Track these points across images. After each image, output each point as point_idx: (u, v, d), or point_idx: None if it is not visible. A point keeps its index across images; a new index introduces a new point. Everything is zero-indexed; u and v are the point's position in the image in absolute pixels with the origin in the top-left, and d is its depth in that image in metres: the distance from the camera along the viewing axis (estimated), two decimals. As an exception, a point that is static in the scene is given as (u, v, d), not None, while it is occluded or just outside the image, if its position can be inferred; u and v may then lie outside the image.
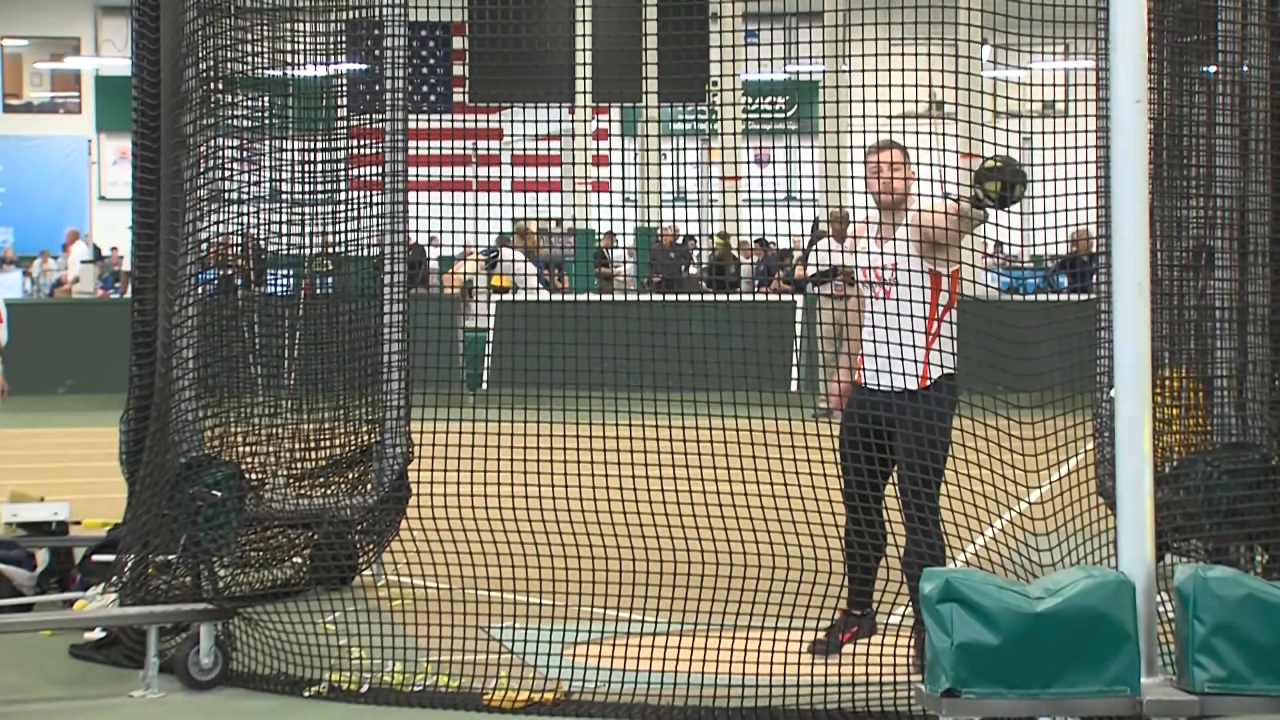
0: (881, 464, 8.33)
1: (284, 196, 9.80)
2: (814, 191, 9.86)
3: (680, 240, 30.33)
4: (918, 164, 8.33)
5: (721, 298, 20.97)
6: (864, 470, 8.28)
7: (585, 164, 24.06)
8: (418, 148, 10.43)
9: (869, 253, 8.37)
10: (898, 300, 8.16)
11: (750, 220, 25.74)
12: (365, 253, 10.23)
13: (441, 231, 8.98)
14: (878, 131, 8.15)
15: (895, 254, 8.23)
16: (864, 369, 8.35)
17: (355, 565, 10.01)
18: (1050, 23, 7.75)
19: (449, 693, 7.91)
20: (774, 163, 27.83)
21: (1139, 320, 6.46)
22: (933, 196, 8.34)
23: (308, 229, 9.88)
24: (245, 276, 10.28)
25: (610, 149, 27.49)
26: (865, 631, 8.50)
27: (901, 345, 8.12)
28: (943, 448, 8.14)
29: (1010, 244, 9.85)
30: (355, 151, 10.02)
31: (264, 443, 9.49)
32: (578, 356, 8.68)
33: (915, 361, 8.16)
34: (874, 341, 8.21)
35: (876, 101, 8.01)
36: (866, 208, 8.46)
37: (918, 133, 8.40)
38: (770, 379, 8.74)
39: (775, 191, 9.46)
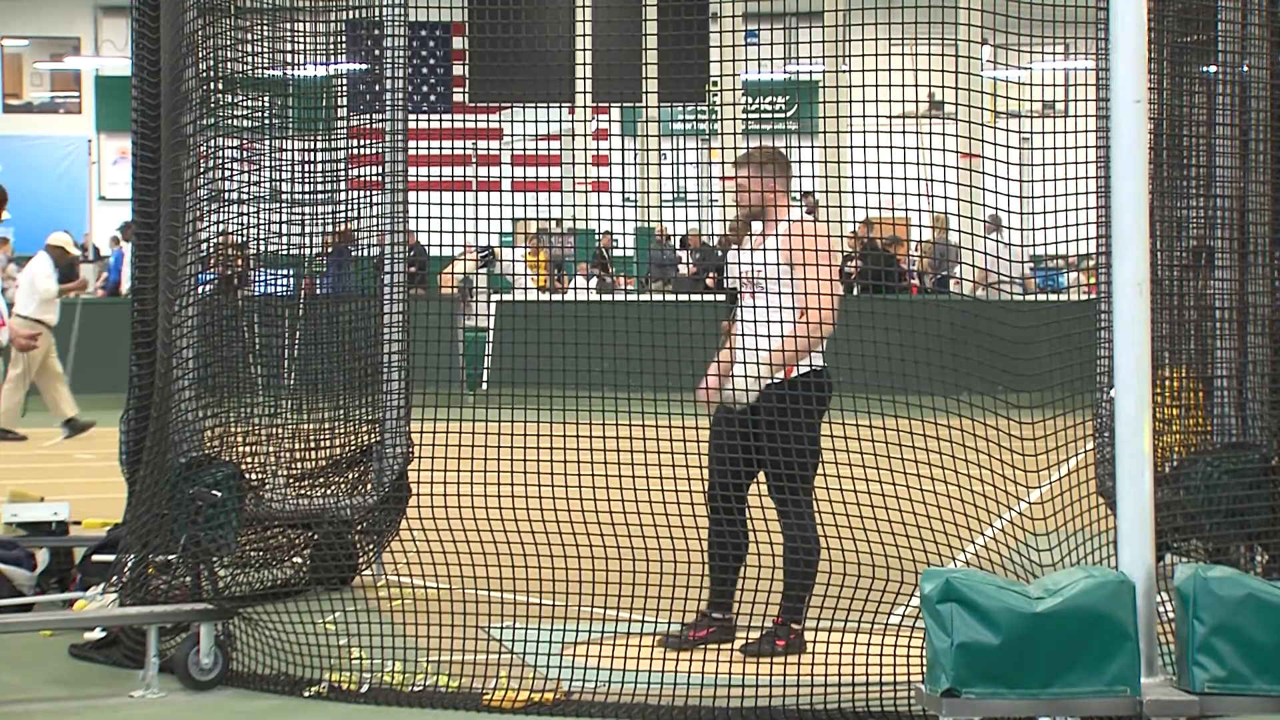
0: (747, 463, 8.47)
1: (284, 196, 9.80)
2: (813, 191, 9.88)
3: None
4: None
5: (721, 297, 20.92)
6: (728, 470, 8.45)
7: (585, 164, 24.03)
8: (418, 148, 10.43)
9: (739, 261, 8.69)
10: (767, 294, 8.43)
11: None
12: (365, 253, 10.23)
13: (441, 231, 8.97)
14: (878, 131, 8.15)
15: (765, 263, 8.53)
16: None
17: (355, 565, 10.01)
18: (1050, 23, 7.75)
19: (449, 693, 7.91)
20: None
21: (1139, 320, 6.46)
22: (801, 220, 8.65)
23: (308, 229, 9.87)
24: (245, 276, 10.27)
25: (610, 149, 27.46)
26: (720, 636, 8.51)
27: (770, 337, 8.36)
28: (809, 442, 8.28)
29: (1010, 244, 9.85)
30: (355, 151, 10.02)
31: (264, 443, 9.49)
32: (578, 356, 8.68)
33: (773, 351, 8.37)
34: (742, 336, 8.48)
35: (876, 101, 8.02)
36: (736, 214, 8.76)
37: (917, 133, 8.39)
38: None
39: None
